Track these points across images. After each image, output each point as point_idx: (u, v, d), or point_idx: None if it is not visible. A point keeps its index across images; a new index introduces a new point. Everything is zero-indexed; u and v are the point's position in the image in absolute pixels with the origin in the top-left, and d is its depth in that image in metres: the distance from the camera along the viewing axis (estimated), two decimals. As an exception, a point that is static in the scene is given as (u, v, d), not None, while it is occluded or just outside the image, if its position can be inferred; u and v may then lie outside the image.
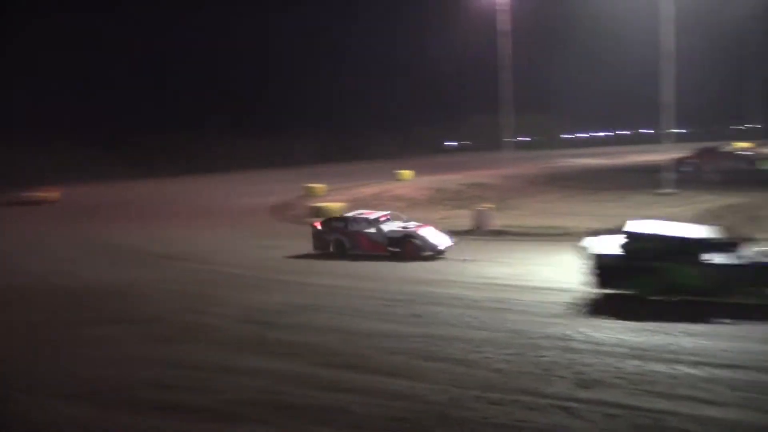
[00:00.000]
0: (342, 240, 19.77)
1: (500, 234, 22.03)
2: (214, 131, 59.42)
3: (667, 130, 30.49)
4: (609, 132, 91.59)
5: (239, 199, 37.15)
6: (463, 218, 23.78)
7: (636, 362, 9.78)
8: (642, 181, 32.80)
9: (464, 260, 17.85)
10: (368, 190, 38.37)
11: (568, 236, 19.77)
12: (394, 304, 13.70)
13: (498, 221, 23.08)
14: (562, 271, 15.44)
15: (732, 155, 37.42)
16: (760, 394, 8.61)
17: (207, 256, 20.31)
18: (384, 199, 33.26)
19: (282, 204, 33.65)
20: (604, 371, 9.49)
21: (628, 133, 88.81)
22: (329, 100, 70.66)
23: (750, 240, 13.59)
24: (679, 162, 34.52)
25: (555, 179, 39.32)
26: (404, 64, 76.21)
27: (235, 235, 24.64)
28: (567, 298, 13.46)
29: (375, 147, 69.10)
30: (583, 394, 8.77)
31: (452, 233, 20.03)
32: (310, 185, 37.62)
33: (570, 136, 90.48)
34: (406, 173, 44.96)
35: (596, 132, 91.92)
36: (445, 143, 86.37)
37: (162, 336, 12.12)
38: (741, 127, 72.18)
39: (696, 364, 9.61)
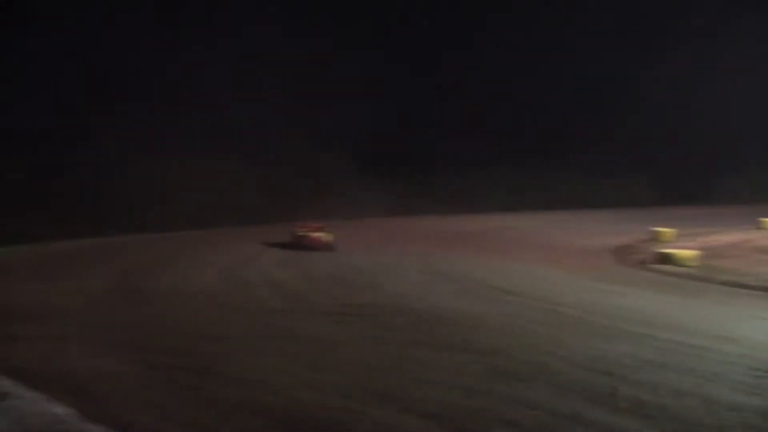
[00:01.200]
0: None
1: None
2: (534, 167, 57.24)
3: None
4: None
5: (574, 238, 35.71)
6: None
7: None
8: None
9: None
10: (725, 237, 35.06)
11: None
12: (766, 376, 11.83)
13: None
14: None
15: None
16: None
17: (544, 294, 19.95)
18: (744, 249, 30.25)
19: (624, 247, 31.82)
20: None
21: None
22: (667, 139, 64.22)
23: None
24: None
25: None
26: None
27: (571, 275, 23.98)
28: None
29: (719, 190, 61.46)
30: None
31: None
32: (658, 229, 35.03)
33: None
34: None
35: None
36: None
37: (504, 370, 12.00)
38: None
39: None
